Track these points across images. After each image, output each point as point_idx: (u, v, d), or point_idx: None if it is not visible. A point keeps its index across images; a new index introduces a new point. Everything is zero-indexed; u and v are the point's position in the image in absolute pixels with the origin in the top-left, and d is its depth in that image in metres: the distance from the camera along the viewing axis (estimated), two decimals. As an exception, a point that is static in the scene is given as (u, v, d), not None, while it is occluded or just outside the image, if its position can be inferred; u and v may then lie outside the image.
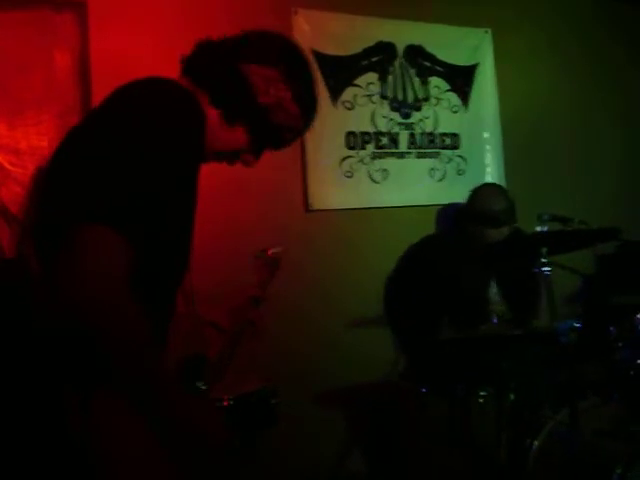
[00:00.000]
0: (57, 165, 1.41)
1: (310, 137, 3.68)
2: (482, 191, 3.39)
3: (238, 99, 1.58)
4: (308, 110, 1.70)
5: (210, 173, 3.29)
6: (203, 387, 1.66)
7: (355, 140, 3.85)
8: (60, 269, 1.23)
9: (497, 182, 4.17)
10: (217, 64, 1.59)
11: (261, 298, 2.07)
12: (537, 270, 2.71)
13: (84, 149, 1.36)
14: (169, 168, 1.36)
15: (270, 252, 2.21)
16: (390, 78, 3.95)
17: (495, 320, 2.78)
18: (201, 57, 1.62)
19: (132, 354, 1.27)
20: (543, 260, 2.66)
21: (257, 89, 1.59)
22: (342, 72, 3.80)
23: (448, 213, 3.91)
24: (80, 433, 1.27)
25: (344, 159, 3.81)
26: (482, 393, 2.84)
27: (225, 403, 2.41)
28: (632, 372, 2.75)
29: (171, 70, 3.31)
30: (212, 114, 1.57)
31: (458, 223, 3.48)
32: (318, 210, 3.69)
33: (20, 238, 1.44)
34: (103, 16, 3.14)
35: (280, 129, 1.66)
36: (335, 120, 3.77)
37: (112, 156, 1.30)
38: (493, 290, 3.06)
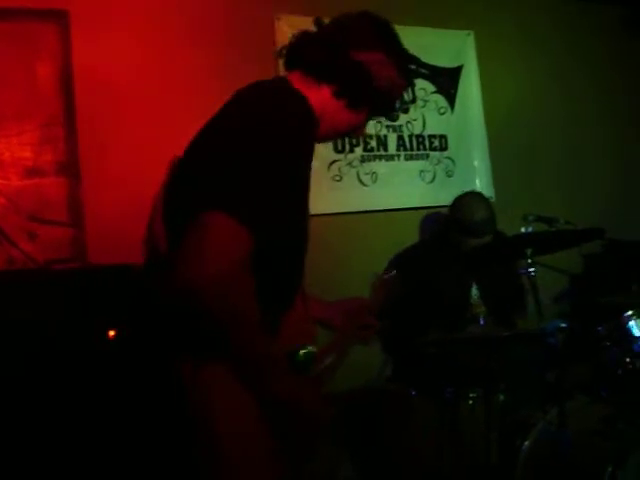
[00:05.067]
0: (191, 155, 1.58)
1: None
2: (464, 201, 3.38)
3: (364, 89, 1.70)
4: (410, 78, 1.83)
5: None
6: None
7: (343, 143, 3.82)
8: (182, 250, 1.36)
9: (485, 183, 4.19)
10: (334, 57, 1.68)
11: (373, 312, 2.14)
12: (522, 271, 2.72)
13: (213, 147, 1.52)
14: (285, 169, 1.48)
15: (385, 276, 2.29)
16: (376, 81, 3.94)
17: (482, 322, 2.78)
18: (313, 51, 1.72)
19: (242, 334, 1.41)
20: (528, 261, 2.67)
21: (374, 75, 1.69)
22: (327, 76, 3.78)
23: (431, 221, 3.92)
24: (191, 401, 1.44)
25: (332, 163, 3.80)
26: (471, 395, 2.85)
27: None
28: (620, 371, 2.76)
29: (153, 78, 3.32)
30: (335, 104, 1.70)
31: (441, 232, 3.49)
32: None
33: (151, 219, 1.58)
34: (85, 25, 3.13)
35: (395, 103, 1.82)
36: (322, 124, 3.77)
37: (237, 158, 1.44)
38: (474, 292, 3.06)
